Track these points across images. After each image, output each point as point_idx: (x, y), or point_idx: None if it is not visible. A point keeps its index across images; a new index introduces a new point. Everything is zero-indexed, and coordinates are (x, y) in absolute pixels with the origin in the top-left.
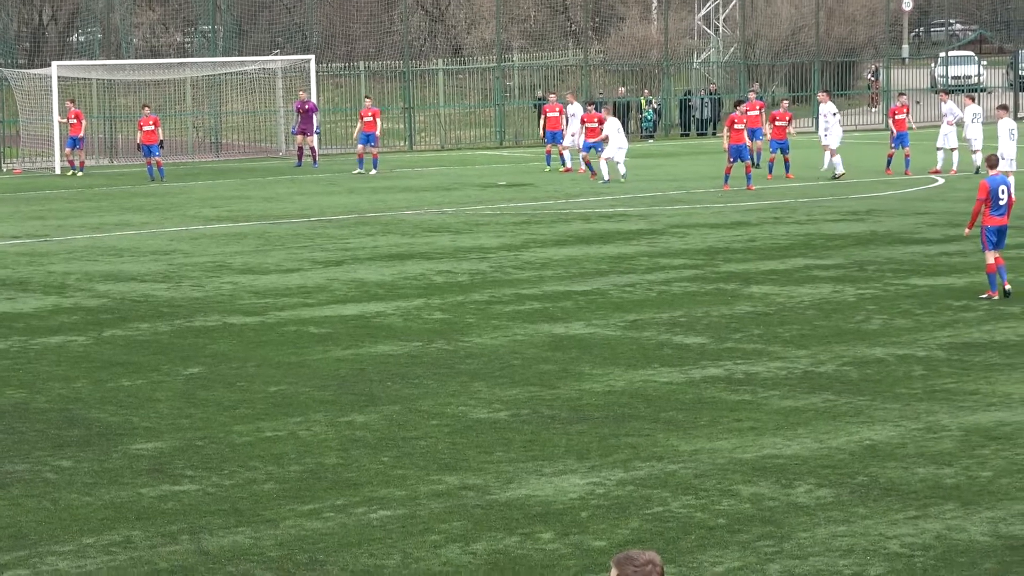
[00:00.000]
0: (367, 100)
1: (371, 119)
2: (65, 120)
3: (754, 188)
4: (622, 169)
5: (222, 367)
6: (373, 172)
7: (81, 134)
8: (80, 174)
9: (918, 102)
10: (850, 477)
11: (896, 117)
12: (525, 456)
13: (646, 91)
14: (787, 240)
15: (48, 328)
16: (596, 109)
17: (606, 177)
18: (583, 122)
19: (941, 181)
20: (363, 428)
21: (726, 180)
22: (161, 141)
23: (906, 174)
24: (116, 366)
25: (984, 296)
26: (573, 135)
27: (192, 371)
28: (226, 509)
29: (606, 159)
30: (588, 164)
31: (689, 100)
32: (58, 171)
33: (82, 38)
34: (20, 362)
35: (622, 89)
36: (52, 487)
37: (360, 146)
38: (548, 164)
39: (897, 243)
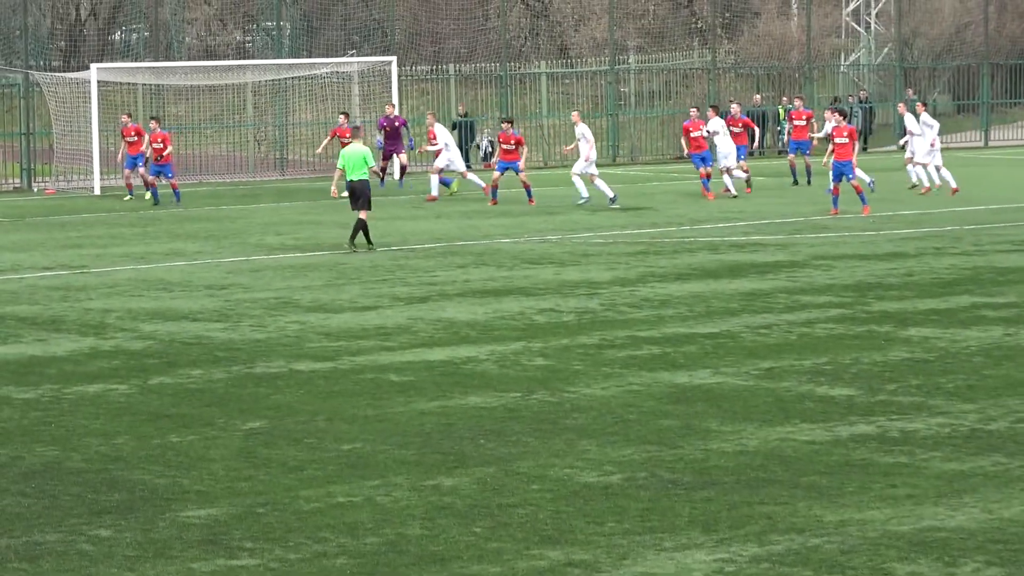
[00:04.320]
0: (429, 116)
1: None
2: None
3: (713, 196)
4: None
5: (287, 421)
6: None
7: (144, 149)
8: (128, 197)
9: None
10: None
11: None
12: (642, 527)
13: (785, 99)
14: (950, 274)
15: (85, 375)
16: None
17: (585, 195)
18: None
19: None
20: (451, 493)
21: (706, 187)
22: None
23: None
24: (163, 419)
25: None
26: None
27: (252, 426)
28: None
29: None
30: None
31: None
32: (97, 191)
33: (126, 37)
34: (52, 414)
35: (757, 97)
36: (89, 561)
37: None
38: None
39: None
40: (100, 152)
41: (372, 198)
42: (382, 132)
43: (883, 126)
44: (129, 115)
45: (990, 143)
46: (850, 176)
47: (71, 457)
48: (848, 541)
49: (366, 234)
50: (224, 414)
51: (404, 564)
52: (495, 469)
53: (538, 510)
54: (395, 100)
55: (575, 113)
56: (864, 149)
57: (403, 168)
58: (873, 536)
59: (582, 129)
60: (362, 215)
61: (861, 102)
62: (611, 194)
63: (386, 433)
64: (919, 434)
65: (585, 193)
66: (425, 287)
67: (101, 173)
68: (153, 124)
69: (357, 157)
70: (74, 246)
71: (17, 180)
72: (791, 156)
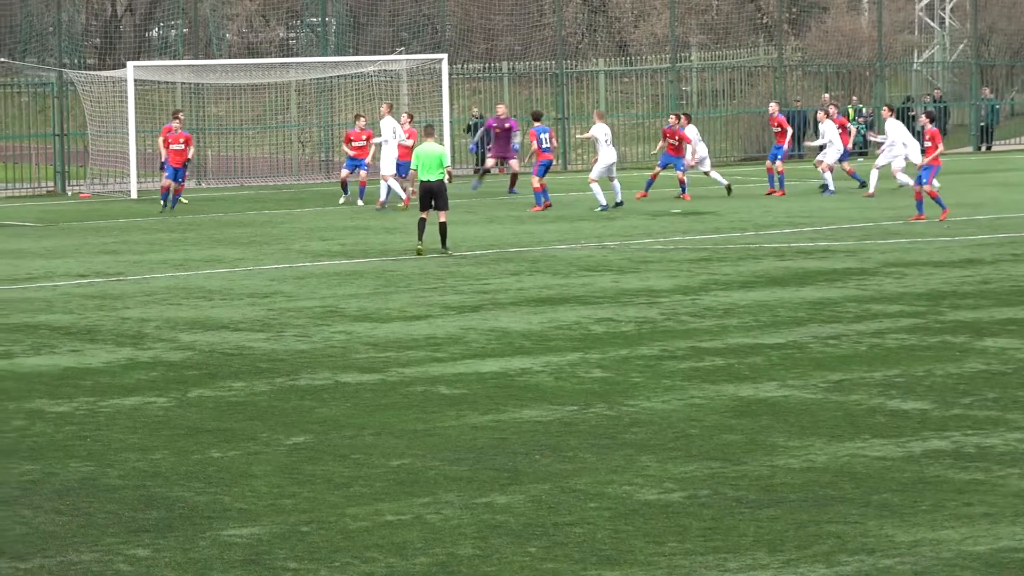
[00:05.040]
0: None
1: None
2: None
3: (689, 198)
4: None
5: (333, 436)
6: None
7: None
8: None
9: None
10: None
11: None
12: (704, 547)
13: (855, 98)
14: None
15: (121, 387)
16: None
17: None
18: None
19: None
20: (505, 511)
21: (683, 190)
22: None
23: None
24: (204, 434)
25: None
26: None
27: (296, 440)
28: None
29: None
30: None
31: (909, 109)
32: (134, 195)
33: (164, 33)
34: (88, 428)
35: (826, 96)
36: None
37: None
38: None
39: None
40: (137, 154)
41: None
42: (489, 133)
43: (958, 126)
44: (180, 117)
45: None
46: (923, 181)
47: (107, 473)
48: (921, 562)
49: (443, 237)
50: (267, 428)
51: None
52: (550, 486)
53: (596, 529)
54: (444, 98)
55: (596, 112)
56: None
57: (514, 176)
58: (947, 556)
59: (603, 129)
60: (441, 217)
61: (935, 101)
62: (604, 202)
63: (436, 448)
64: (996, 450)
65: (603, 200)
66: (477, 295)
67: (138, 176)
68: (176, 123)
69: (432, 157)
70: (110, 252)
71: (51, 183)
72: (845, 163)
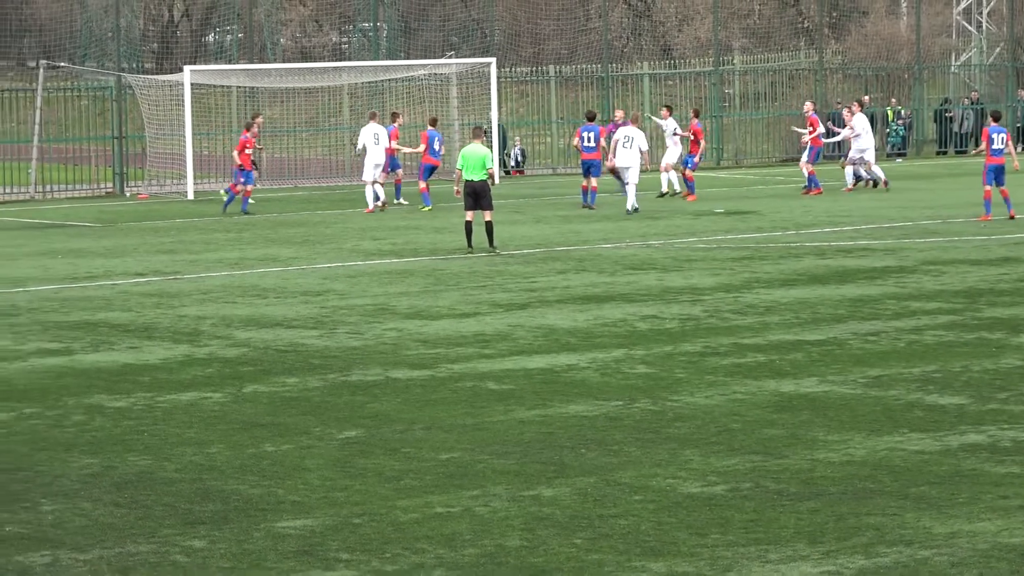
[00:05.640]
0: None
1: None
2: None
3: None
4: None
5: (384, 430)
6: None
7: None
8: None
9: None
10: None
11: None
12: (746, 539)
13: (894, 100)
14: None
15: (178, 383)
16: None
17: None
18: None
19: None
20: (552, 504)
21: (691, 190)
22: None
23: None
24: (258, 428)
25: None
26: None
27: (349, 435)
28: None
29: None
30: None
31: (947, 111)
32: (190, 196)
33: (220, 38)
34: (145, 423)
35: (866, 98)
36: (182, 572)
37: (423, 182)
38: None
39: None
40: (193, 156)
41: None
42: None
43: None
44: (260, 122)
45: None
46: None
47: (164, 467)
48: (958, 553)
49: (490, 236)
50: (320, 423)
51: None
52: (596, 479)
53: (640, 521)
54: (493, 101)
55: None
56: (976, 152)
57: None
58: (984, 548)
59: (631, 130)
60: (487, 216)
61: (972, 103)
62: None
63: (485, 442)
64: None
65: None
66: (525, 293)
67: (195, 177)
68: (256, 129)
69: (476, 158)
70: (167, 252)
71: (110, 185)
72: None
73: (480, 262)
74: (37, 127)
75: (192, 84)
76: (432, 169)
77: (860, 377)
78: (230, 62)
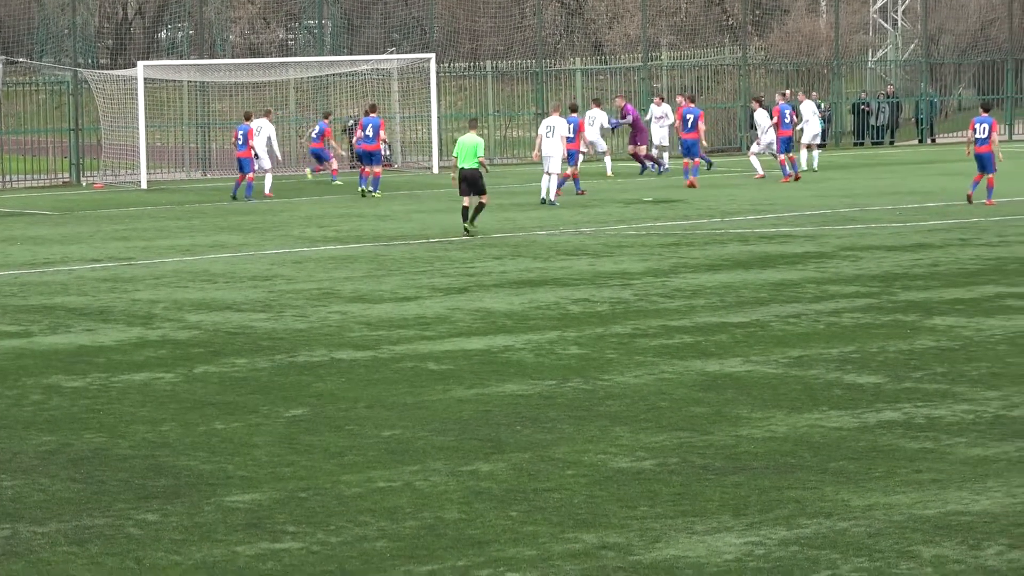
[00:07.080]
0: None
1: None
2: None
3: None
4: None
5: (329, 408)
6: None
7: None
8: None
9: None
10: None
11: None
12: (674, 511)
13: (814, 94)
14: (975, 265)
15: (132, 364)
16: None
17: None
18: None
19: None
20: (488, 478)
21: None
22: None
23: None
24: (208, 407)
25: None
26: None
27: (295, 413)
28: (332, 570)
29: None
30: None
31: (863, 104)
32: (144, 185)
33: (171, 35)
34: (100, 402)
35: (787, 92)
36: (136, 544)
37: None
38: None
39: None
40: (146, 147)
41: (409, 192)
42: (626, 117)
43: (909, 121)
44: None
45: (1014, 137)
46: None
47: (119, 444)
48: (875, 524)
49: (474, 215)
50: (267, 402)
51: (442, 547)
52: (531, 455)
53: (573, 495)
54: (433, 95)
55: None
56: (891, 143)
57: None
58: (899, 520)
59: (554, 120)
60: (483, 199)
61: (888, 97)
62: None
63: (425, 420)
64: (944, 420)
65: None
66: (463, 278)
67: (148, 167)
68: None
69: (469, 147)
70: (121, 239)
71: (66, 175)
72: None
73: (420, 248)
74: None
75: (145, 79)
76: (366, 154)
77: (782, 357)
78: (181, 58)
